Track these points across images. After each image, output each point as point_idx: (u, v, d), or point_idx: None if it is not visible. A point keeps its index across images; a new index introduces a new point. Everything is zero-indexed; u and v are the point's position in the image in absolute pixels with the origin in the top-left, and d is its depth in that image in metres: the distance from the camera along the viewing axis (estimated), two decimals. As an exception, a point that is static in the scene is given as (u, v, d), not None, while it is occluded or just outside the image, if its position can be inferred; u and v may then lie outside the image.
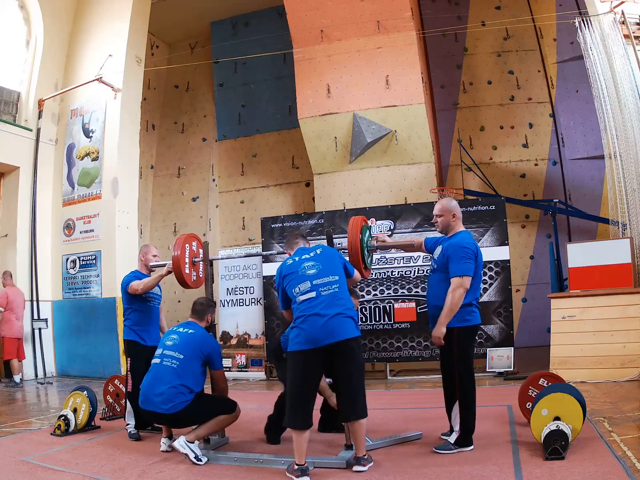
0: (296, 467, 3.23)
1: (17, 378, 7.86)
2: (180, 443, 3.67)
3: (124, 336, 4.72)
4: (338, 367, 3.36)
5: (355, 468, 3.31)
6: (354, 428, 3.37)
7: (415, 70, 9.18)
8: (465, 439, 3.63)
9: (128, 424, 4.52)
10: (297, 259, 3.56)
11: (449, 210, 3.88)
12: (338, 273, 3.47)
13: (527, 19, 10.49)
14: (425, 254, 7.44)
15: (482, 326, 7.07)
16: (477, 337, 7.02)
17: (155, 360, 3.97)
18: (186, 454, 3.64)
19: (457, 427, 3.65)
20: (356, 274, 3.75)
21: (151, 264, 4.80)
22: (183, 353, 3.89)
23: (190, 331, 4.03)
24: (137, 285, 4.55)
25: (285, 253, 7.14)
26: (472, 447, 3.62)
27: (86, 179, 9.19)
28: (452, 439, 3.65)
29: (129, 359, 4.65)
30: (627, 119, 6.69)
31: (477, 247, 3.76)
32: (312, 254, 3.55)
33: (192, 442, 3.70)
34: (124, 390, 4.83)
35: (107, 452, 3.98)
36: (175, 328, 4.13)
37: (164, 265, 4.57)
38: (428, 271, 7.22)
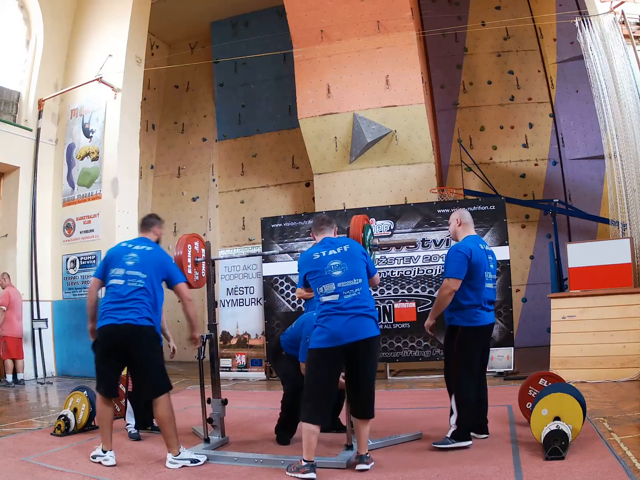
0: (304, 462, 3.23)
1: (9, 377, 7.92)
2: (171, 462, 3.56)
3: (125, 336, 4.71)
4: (357, 365, 3.39)
5: (359, 467, 3.31)
6: (362, 426, 3.40)
7: (415, 70, 9.18)
8: (461, 433, 3.68)
9: (128, 424, 4.53)
10: (324, 253, 3.51)
11: (453, 218, 4.15)
12: (361, 275, 3.48)
13: (527, 19, 10.49)
14: (425, 254, 7.51)
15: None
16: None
17: (118, 282, 3.72)
18: (184, 466, 3.55)
19: (453, 422, 3.72)
20: (376, 276, 3.72)
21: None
22: (146, 272, 3.74)
23: (148, 248, 3.87)
24: None
25: (285, 252, 7.21)
26: (470, 442, 3.67)
27: (86, 179, 9.19)
28: (449, 433, 3.70)
29: (129, 358, 4.64)
30: (627, 119, 6.70)
31: (474, 249, 3.85)
32: (339, 250, 3.51)
33: (179, 453, 3.60)
34: (124, 390, 4.83)
35: (107, 452, 3.97)
36: (130, 245, 3.90)
37: None
38: (428, 271, 7.31)
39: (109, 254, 3.91)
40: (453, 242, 4.21)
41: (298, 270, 3.69)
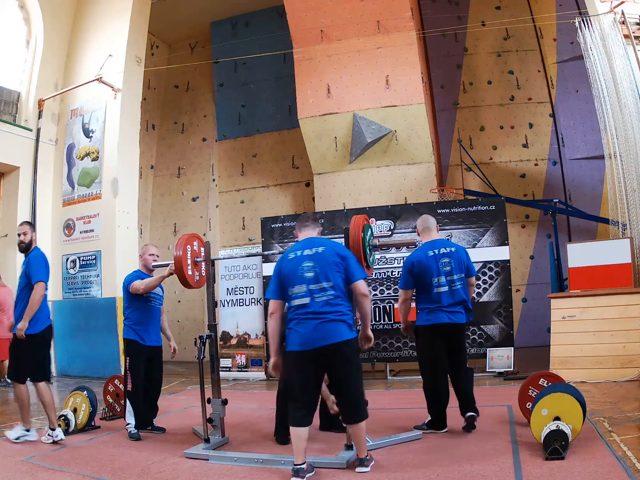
0: (294, 466, 3.23)
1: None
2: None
3: (124, 335, 4.73)
4: (333, 370, 3.38)
5: (359, 469, 3.31)
6: (354, 430, 3.39)
7: (415, 70, 9.18)
8: (434, 423, 4.16)
9: (128, 424, 4.52)
10: (299, 253, 3.45)
11: (416, 226, 4.55)
12: (333, 279, 3.35)
13: (527, 19, 10.48)
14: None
15: (482, 326, 7.10)
16: (473, 336, 7.07)
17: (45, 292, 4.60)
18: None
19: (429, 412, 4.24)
20: (359, 284, 3.40)
21: (153, 264, 4.81)
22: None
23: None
24: (138, 285, 4.59)
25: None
26: (443, 430, 4.13)
27: (86, 179, 9.19)
28: (426, 420, 4.22)
29: (128, 358, 4.66)
30: (627, 119, 6.69)
31: (416, 261, 4.22)
32: (313, 251, 3.42)
33: (55, 429, 4.27)
34: (123, 389, 4.83)
35: (107, 452, 3.98)
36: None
37: (166, 266, 4.58)
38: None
39: (48, 266, 4.66)
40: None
41: (273, 274, 3.51)
